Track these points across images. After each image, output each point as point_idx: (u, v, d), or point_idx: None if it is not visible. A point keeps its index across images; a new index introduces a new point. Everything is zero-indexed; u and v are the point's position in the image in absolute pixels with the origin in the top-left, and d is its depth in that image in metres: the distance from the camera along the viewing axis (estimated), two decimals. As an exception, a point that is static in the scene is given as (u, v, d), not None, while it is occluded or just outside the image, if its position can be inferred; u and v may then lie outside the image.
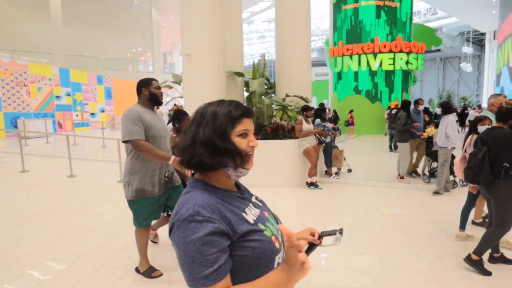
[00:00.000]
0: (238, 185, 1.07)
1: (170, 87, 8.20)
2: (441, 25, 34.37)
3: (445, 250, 3.48)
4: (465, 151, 3.61)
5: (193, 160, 0.94)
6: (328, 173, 7.06)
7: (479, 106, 30.89)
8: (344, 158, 7.23)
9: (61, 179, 6.67)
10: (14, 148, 9.83)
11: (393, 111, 10.51)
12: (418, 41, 16.33)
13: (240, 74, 7.43)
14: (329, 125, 6.89)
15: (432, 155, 6.23)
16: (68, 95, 17.90)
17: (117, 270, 3.05)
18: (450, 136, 5.32)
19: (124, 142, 2.64)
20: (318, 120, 6.70)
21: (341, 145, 8.82)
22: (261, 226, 0.94)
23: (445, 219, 4.44)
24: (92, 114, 19.63)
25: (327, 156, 6.97)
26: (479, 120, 3.71)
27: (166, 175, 2.82)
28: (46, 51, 20.48)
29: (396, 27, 15.95)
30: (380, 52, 15.58)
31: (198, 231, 0.82)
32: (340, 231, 1.03)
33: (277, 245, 0.94)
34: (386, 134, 14.99)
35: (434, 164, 6.42)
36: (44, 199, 5.35)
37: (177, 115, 3.64)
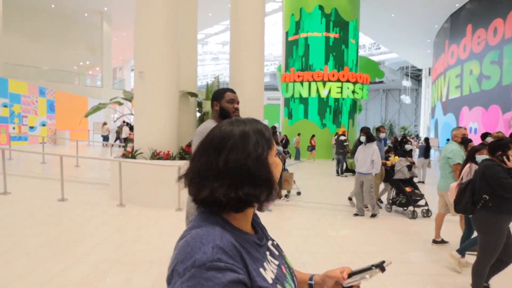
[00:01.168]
0: (254, 226, 0.88)
1: (120, 104, 7.94)
2: (383, 59, 37.47)
3: (388, 270, 3.67)
4: (461, 179, 3.61)
5: (216, 195, 0.74)
6: (277, 196, 7.18)
7: (417, 136, 33.72)
8: (294, 181, 7.42)
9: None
10: None
11: (341, 137, 11.10)
12: (363, 73, 17.62)
13: (193, 94, 7.43)
14: (280, 148, 7.08)
15: (394, 183, 6.24)
16: (5, 106, 16.49)
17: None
18: (376, 163, 5.66)
19: None
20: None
21: (303, 170, 9.07)
22: None
23: (385, 240, 4.71)
24: (32, 127, 18.19)
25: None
26: (477, 149, 3.71)
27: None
28: (-18, 58, 18.82)
29: (345, 59, 17.11)
30: (329, 80, 16.53)
31: (219, 283, 0.63)
32: (378, 266, 0.92)
33: None
34: (333, 159, 15.69)
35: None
36: (-33, 220, 4.79)
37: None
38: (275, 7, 24.61)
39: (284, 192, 7.31)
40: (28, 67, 21.18)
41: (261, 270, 0.75)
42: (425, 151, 9.91)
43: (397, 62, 37.78)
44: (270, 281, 0.75)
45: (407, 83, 37.44)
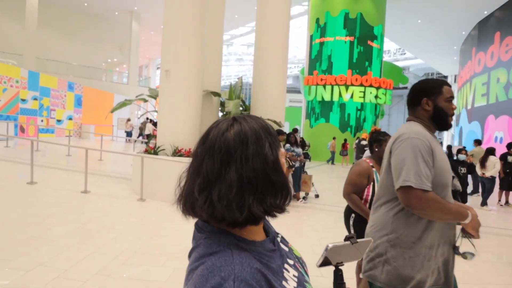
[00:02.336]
0: (264, 226, 0.79)
1: (145, 101, 8.14)
2: (408, 65, 36.74)
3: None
4: None
5: (242, 217, 0.64)
6: (295, 197, 7.16)
7: (441, 143, 32.67)
8: (313, 183, 7.38)
9: (21, 186, 6.32)
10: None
11: (362, 142, 10.96)
12: (387, 78, 17.32)
13: (216, 94, 7.52)
14: (299, 150, 7.06)
15: None
16: (35, 99, 17.18)
17: (73, 282, 2.91)
18: None
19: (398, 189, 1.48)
20: (287, 145, 6.84)
21: (323, 173, 8.98)
22: None
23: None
24: (59, 121, 18.86)
25: (296, 180, 7.09)
26: None
27: (456, 250, 1.60)
28: (16, 52, 19.73)
29: (369, 64, 16.87)
30: (352, 85, 16.33)
31: None
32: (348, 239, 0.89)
33: None
34: (353, 163, 15.47)
35: None
36: (0, 205, 5.03)
37: (376, 136, 2.57)
38: (301, 10, 24.56)
39: (302, 194, 7.28)
40: (58, 62, 22.04)
41: (284, 282, 0.68)
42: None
43: (422, 68, 36.94)
44: None
45: (432, 90, 36.54)
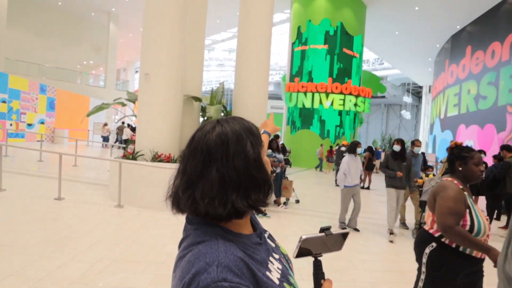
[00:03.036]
0: (252, 222, 0.85)
1: (123, 105, 7.94)
2: (386, 74, 37.84)
3: (380, 279, 3.65)
4: None
5: (225, 212, 0.70)
6: (276, 203, 7.14)
7: (423, 153, 33.80)
8: (293, 189, 7.40)
9: (-14, 193, 5.98)
10: None
11: (341, 148, 11.12)
12: (366, 87, 17.76)
13: (197, 99, 7.45)
14: (280, 156, 7.06)
15: (422, 206, 5.50)
16: (4, 102, 16.43)
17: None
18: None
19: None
20: (269, 151, 6.83)
21: (304, 179, 8.97)
22: (287, 287, 0.76)
23: (385, 250, 4.69)
24: (30, 125, 18.09)
25: (277, 186, 7.08)
26: None
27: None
28: (-17, 52, 18.82)
29: (349, 72, 17.25)
30: (332, 92, 16.63)
31: None
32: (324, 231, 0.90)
33: None
34: (333, 169, 15.71)
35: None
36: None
37: (459, 152, 2.19)
38: (283, 18, 24.86)
39: (283, 199, 7.28)
40: (29, 63, 21.16)
41: (268, 273, 0.73)
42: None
43: (399, 78, 38.16)
44: (277, 282, 0.73)
45: (408, 99, 37.73)
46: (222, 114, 7.98)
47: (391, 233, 5.29)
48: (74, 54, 25.50)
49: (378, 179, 13.08)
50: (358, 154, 5.87)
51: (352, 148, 5.81)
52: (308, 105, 16.88)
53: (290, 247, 3.40)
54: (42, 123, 18.91)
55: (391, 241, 5.12)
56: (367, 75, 21.07)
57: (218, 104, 7.57)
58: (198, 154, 0.72)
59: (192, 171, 0.72)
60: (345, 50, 17.14)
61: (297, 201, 7.64)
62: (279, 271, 0.77)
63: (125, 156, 6.53)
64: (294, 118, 17.84)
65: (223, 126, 0.75)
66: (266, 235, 0.87)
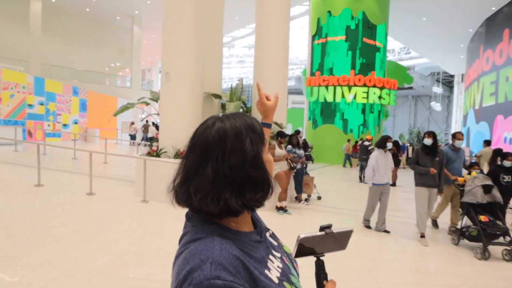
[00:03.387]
0: (253, 220, 0.85)
1: (147, 104, 8.22)
2: (413, 64, 36.45)
3: (403, 280, 3.61)
4: None
5: (217, 210, 0.70)
6: (298, 199, 7.17)
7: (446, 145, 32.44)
8: (315, 185, 7.39)
9: (28, 188, 6.43)
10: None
11: (365, 143, 10.93)
12: (391, 78, 17.24)
13: (217, 96, 7.58)
14: (301, 152, 7.07)
15: (464, 208, 4.78)
16: (42, 104, 17.42)
17: (76, 280, 2.98)
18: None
19: None
20: (289, 147, 6.85)
21: (327, 175, 8.92)
22: (287, 286, 0.74)
23: (409, 249, 4.62)
24: (65, 125, 19.09)
25: (298, 182, 7.10)
26: None
27: None
28: (23, 58, 20.04)
29: (372, 64, 16.82)
30: (355, 85, 16.29)
31: None
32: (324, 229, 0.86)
33: None
34: (357, 165, 15.44)
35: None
36: (8, 208, 5.12)
37: None
38: (302, 10, 24.53)
39: (304, 196, 7.29)
40: (63, 67, 22.34)
41: (266, 271, 0.72)
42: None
43: (428, 67, 36.61)
44: (276, 281, 0.72)
45: (438, 89, 36.17)
46: (242, 110, 8.08)
47: (422, 236, 4.84)
48: (102, 57, 26.59)
49: (404, 175, 12.76)
50: (388, 150, 5.39)
51: (382, 143, 5.36)
52: (330, 99, 16.63)
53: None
54: (76, 123, 19.88)
55: (425, 245, 4.69)
56: (392, 65, 20.43)
57: (237, 101, 7.67)
58: (197, 149, 0.73)
59: (190, 166, 0.73)
60: (368, 40, 16.69)
61: (319, 198, 7.62)
62: (279, 270, 0.76)
63: (149, 154, 6.78)
64: (315, 113, 17.66)
65: (223, 122, 0.74)
66: (268, 234, 0.86)
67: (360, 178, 11.12)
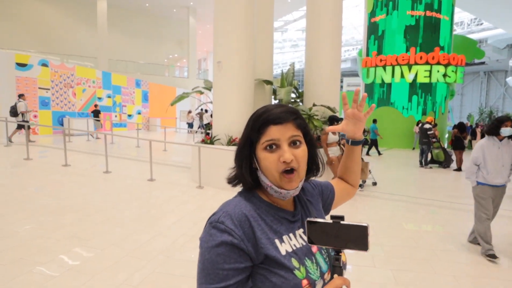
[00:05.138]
0: (297, 203, 0.93)
1: (201, 93, 8.50)
2: (486, 36, 32.72)
3: (465, 271, 3.37)
4: None
5: (234, 174, 0.91)
6: (352, 185, 6.96)
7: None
8: (370, 170, 7.12)
9: (98, 175, 7.11)
10: (59, 144, 10.54)
11: (425, 126, 10.20)
12: (458, 53, 15.70)
13: (268, 82, 7.57)
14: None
15: None
16: (109, 97, 18.93)
17: (139, 261, 3.25)
18: None
19: None
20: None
21: (384, 160, 8.67)
22: (294, 263, 0.80)
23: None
24: (129, 115, 20.56)
25: (352, 167, 6.87)
26: None
27: None
28: (91, 55, 21.92)
29: (436, 39, 15.45)
30: (416, 63, 15.13)
31: (215, 240, 0.77)
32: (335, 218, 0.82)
33: None
34: (414, 148, 14.48)
35: None
36: (80, 192, 5.72)
37: None
38: (358, -13, 23.27)
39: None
40: (127, 62, 23.98)
41: (277, 240, 0.82)
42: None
43: (504, 39, 32.56)
44: (284, 253, 0.80)
45: (516, 63, 32.18)
46: (294, 95, 7.99)
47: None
48: (161, 49, 27.99)
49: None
50: (508, 137, 3.67)
51: (493, 128, 3.67)
52: (387, 80, 15.68)
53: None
54: (139, 113, 21.30)
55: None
56: (459, 39, 18.52)
57: (288, 86, 7.59)
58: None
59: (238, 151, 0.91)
60: (431, 13, 15.31)
61: (374, 183, 7.33)
62: (294, 248, 0.83)
63: (203, 141, 7.06)
64: (373, 95, 16.81)
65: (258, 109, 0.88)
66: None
67: (421, 163, 10.44)
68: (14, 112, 10.46)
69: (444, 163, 10.16)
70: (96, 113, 16.06)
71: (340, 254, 0.82)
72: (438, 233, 4.48)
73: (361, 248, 0.78)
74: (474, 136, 15.03)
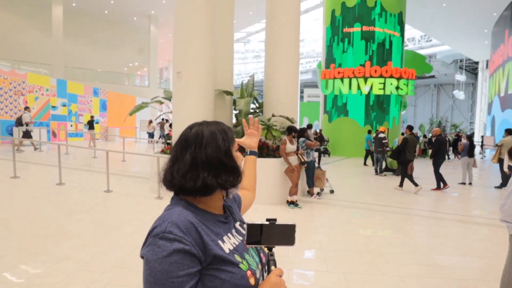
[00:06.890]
0: (224, 207, 1.04)
1: (161, 103, 8.40)
2: (435, 52, 35.25)
3: (410, 273, 3.60)
4: None
5: (197, 185, 0.90)
6: (310, 193, 7.19)
7: (471, 135, 31.23)
8: (327, 179, 7.38)
9: (50, 186, 6.76)
10: (7, 155, 9.90)
11: (380, 135, 10.77)
12: (409, 67, 16.82)
13: (228, 93, 7.65)
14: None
15: None
16: (64, 105, 18.09)
17: (92, 274, 3.16)
18: None
19: None
20: (302, 139, 6.85)
21: (341, 169, 8.98)
22: (237, 258, 0.91)
23: (418, 242, 4.58)
24: (86, 125, 19.77)
25: (309, 176, 7.11)
26: None
27: None
28: (46, 62, 20.83)
29: (389, 54, 16.46)
30: (371, 76, 16.01)
31: (166, 250, 0.79)
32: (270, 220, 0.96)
33: (252, 281, 0.90)
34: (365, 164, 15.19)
35: None
36: (31, 205, 5.42)
37: None
38: (317, 2, 24.26)
39: (316, 190, 7.30)
40: (84, 69, 23.04)
41: (219, 242, 0.90)
42: (469, 150, 9.23)
43: (450, 54, 35.30)
44: (227, 251, 0.89)
45: (461, 77, 34.85)
46: (253, 106, 8.13)
47: None
48: (121, 57, 27.20)
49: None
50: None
51: None
52: (345, 91, 16.43)
53: (318, 239, 3.55)
54: (97, 123, 20.51)
55: None
56: (410, 54, 19.90)
57: (248, 97, 7.72)
58: (179, 143, 0.97)
59: (173, 155, 0.96)
60: (383, 30, 16.35)
61: (332, 191, 7.60)
62: (234, 245, 0.94)
63: (163, 151, 6.97)
64: (331, 106, 17.48)
65: (201, 126, 0.99)
66: (239, 224, 1.06)
67: (376, 171, 10.98)
68: (19, 122, 12.38)
69: (397, 171, 10.76)
70: (90, 124, 16.69)
71: (272, 250, 0.97)
72: (387, 238, 4.75)
73: (289, 243, 0.96)
74: (456, 150, 15.49)
